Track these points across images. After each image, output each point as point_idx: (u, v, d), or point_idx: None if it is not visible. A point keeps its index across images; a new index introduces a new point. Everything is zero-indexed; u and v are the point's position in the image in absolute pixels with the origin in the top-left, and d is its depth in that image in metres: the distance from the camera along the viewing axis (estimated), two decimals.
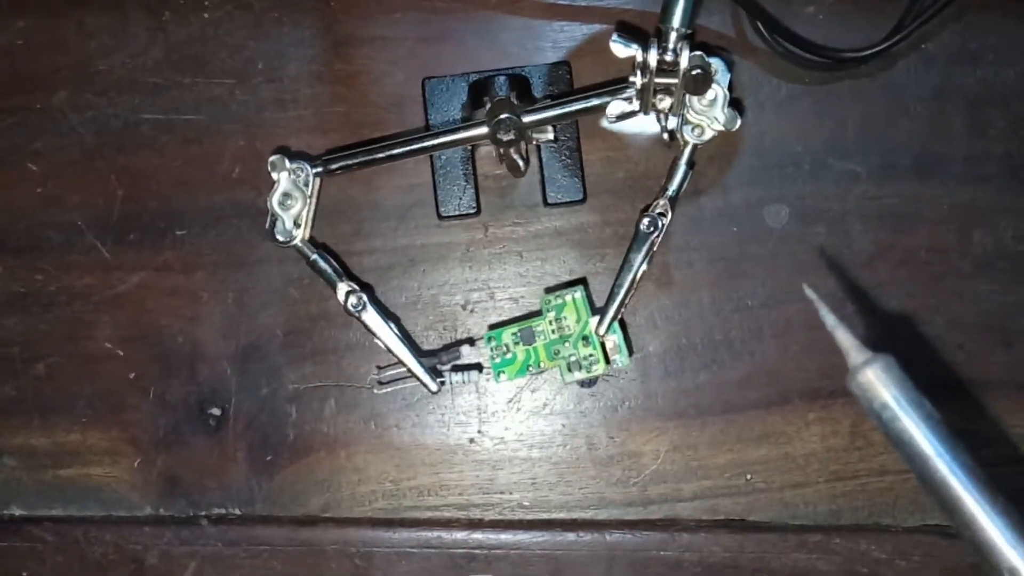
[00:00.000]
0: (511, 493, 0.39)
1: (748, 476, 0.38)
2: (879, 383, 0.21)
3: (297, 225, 0.36)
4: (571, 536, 0.38)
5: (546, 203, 0.39)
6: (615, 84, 0.36)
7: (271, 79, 0.40)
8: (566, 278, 0.39)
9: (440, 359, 0.38)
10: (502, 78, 0.37)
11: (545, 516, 0.39)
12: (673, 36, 0.34)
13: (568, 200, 0.39)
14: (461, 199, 0.39)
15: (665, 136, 0.37)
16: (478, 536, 0.38)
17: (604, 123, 0.38)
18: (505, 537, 0.38)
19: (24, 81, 0.40)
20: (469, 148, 0.38)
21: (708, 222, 0.39)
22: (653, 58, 0.34)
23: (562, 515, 0.39)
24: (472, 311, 0.39)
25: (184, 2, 0.40)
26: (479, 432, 0.39)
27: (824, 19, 0.40)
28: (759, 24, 0.39)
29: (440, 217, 0.39)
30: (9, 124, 0.40)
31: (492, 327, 0.39)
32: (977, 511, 0.19)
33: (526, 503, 0.39)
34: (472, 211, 0.39)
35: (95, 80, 0.40)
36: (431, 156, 0.38)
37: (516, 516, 0.39)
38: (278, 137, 0.40)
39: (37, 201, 0.40)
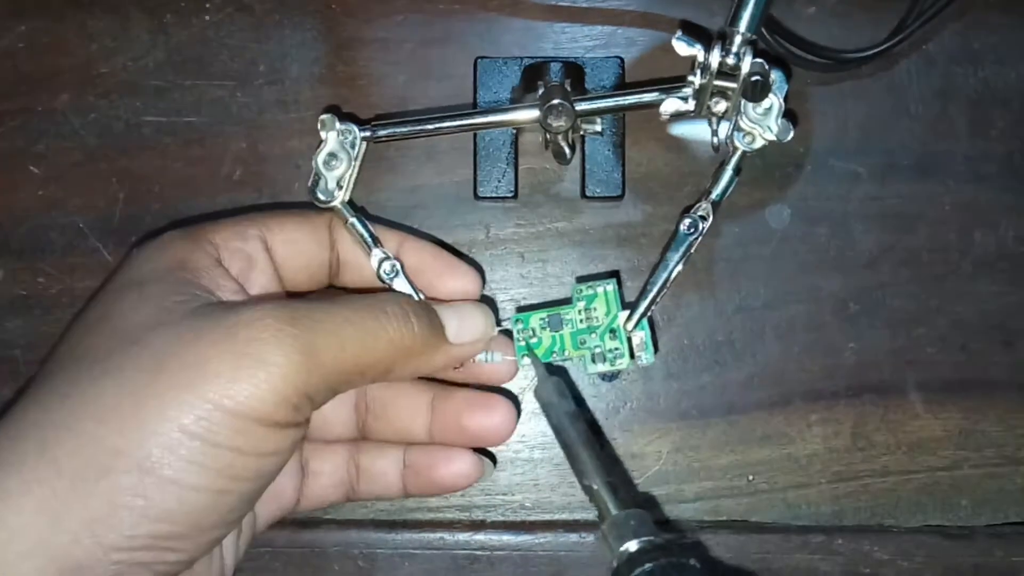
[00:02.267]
0: (513, 494, 0.39)
1: (750, 477, 0.38)
2: (543, 392, 0.34)
3: (339, 187, 0.36)
4: (574, 537, 0.38)
5: (584, 196, 0.38)
6: (672, 82, 0.36)
7: (272, 81, 0.40)
8: (600, 270, 0.39)
9: None
10: (557, 65, 0.36)
11: (548, 517, 0.39)
12: (738, 40, 0.33)
13: (606, 195, 0.38)
14: (500, 181, 0.38)
15: (714, 140, 0.37)
16: (480, 537, 0.38)
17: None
18: (508, 538, 0.38)
19: (26, 84, 0.40)
20: (513, 132, 0.38)
21: (710, 223, 0.39)
22: (715, 60, 0.34)
23: (564, 516, 0.39)
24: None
25: (185, 4, 0.40)
26: None
27: (825, 19, 0.40)
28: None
29: (477, 198, 0.38)
30: (11, 127, 0.40)
31: (520, 310, 0.39)
32: (582, 457, 0.31)
33: (528, 504, 0.39)
34: (510, 195, 0.38)
35: (97, 83, 0.40)
36: (475, 135, 0.38)
37: (519, 517, 0.39)
38: (280, 139, 0.40)
39: (39, 203, 0.40)
